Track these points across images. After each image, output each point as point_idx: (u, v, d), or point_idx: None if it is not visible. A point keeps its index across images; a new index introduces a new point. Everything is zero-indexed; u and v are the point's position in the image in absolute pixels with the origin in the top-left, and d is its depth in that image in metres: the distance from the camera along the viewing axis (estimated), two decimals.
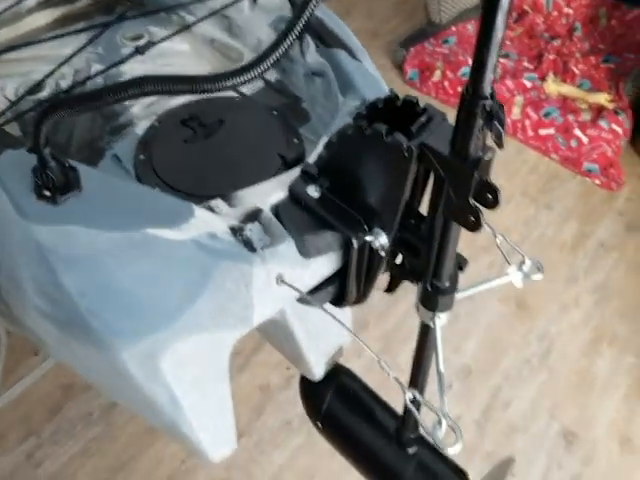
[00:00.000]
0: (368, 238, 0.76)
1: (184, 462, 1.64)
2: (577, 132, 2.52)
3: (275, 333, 0.96)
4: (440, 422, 0.69)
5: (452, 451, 0.67)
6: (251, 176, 0.85)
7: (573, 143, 2.51)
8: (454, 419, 1.68)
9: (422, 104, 0.75)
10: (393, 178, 0.73)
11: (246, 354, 1.84)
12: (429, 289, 0.77)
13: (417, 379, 0.87)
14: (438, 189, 0.71)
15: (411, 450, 0.93)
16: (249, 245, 0.75)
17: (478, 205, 0.68)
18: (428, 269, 0.76)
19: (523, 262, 0.84)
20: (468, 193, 0.67)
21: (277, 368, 1.82)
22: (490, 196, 0.69)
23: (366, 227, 0.77)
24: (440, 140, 0.69)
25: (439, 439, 0.67)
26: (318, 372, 0.98)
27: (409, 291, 1.99)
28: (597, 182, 2.43)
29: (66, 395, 1.73)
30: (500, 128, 0.63)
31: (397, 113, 0.75)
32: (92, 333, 0.76)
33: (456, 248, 0.75)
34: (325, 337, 0.96)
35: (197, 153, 0.99)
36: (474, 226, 0.68)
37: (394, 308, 1.96)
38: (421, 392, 0.90)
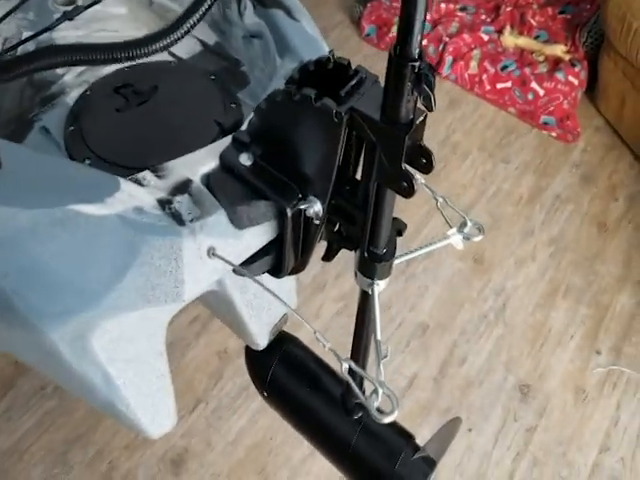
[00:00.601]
0: (302, 206, 0.73)
1: None
2: (534, 85, 2.51)
3: (216, 304, 0.94)
4: (376, 391, 0.67)
5: (387, 420, 0.66)
6: (186, 145, 0.82)
7: (530, 96, 2.50)
8: (410, 377, 1.70)
9: (354, 66, 0.72)
10: (324, 145, 0.70)
11: (203, 321, 1.83)
12: (366, 256, 0.75)
13: (359, 347, 0.86)
14: (370, 155, 0.69)
15: (356, 416, 0.92)
16: (178, 218, 0.72)
17: (411, 170, 0.65)
18: (364, 236, 0.74)
19: (464, 224, 0.83)
20: (400, 158, 0.65)
21: (234, 334, 1.81)
22: (424, 160, 0.67)
23: (300, 195, 0.74)
24: (371, 104, 0.66)
25: (374, 408, 0.66)
26: (262, 342, 0.96)
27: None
28: (553, 134, 2.44)
29: (19, 370, 1.70)
30: (429, 91, 0.61)
31: (329, 76, 0.72)
32: (18, 315, 0.73)
33: (392, 214, 0.73)
34: (267, 306, 0.94)
35: (129, 122, 0.95)
36: (407, 192, 0.66)
37: (352, 269, 1.94)
38: (363, 360, 0.89)
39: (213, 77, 1.02)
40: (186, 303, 0.78)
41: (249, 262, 0.78)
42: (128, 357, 0.78)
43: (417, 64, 0.59)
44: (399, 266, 1.98)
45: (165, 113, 0.96)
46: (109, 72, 1.03)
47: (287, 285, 0.98)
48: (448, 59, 2.65)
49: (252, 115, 0.77)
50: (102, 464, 1.58)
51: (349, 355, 0.91)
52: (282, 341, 1.00)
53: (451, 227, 0.83)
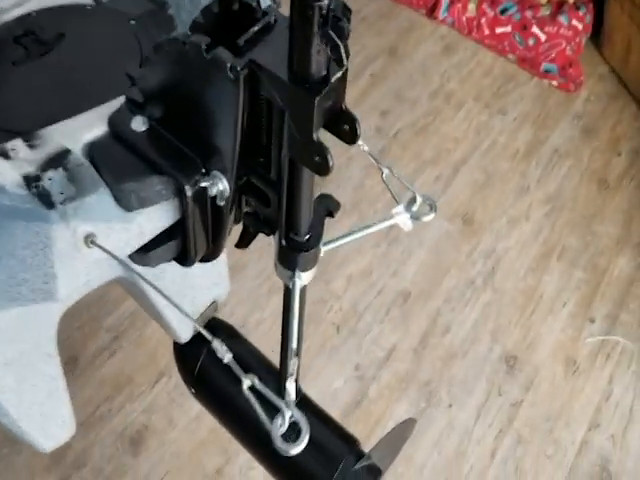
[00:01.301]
0: (204, 184, 0.60)
1: (99, 407, 1.52)
2: (535, 29, 2.32)
3: (130, 291, 0.81)
4: (283, 414, 0.55)
5: (293, 451, 0.53)
6: (91, 105, 0.68)
7: (531, 41, 2.32)
8: (389, 349, 1.58)
9: (264, 6, 0.57)
10: (223, 107, 0.56)
11: None
12: (284, 244, 0.62)
13: (286, 350, 0.73)
14: (279, 121, 0.55)
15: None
16: (45, 199, 0.58)
17: (325, 145, 0.51)
18: (281, 220, 0.61)
19: (413, 200, 0.69)
20: (311, 126, 0.50)
21: None
22: (347, 126, 0.53)
23: (203, 170, 0.61)
24: (278, 57, 0.51)
25: (278, 436, 0.54)
26: (184, 335, 0.84)
27: (345, 214, 1.86)
28: (555, 83, 2.26)
29: None
30: (337, 40, 0.46)
31: (236, 20, 0.57)
32: None
33: (311, 194, 0.59)
34: (191, 293, 0.81)
35: (25, 77, 0.80)
36: (321, 169, 0.52)
37: (332, 231, 1.81)
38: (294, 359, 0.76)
39: (133, 21, 0.87)
40: (70, 300, 0.65)
41: (147, 249, 0.65)
42: (5, 361, 0.65)
43: (324, 3, 0.45)
44: (381, 230, 1.84)
45: (70, 66, 0.81)
46: (11, 18, 0.88)
47: (217, 267, 0.84)
48: (445, 1, 2.45)
49: (144, 68, 0.62)
50: None
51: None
52: (214, 329, 0.86)
53: (398, 203, 0.69)
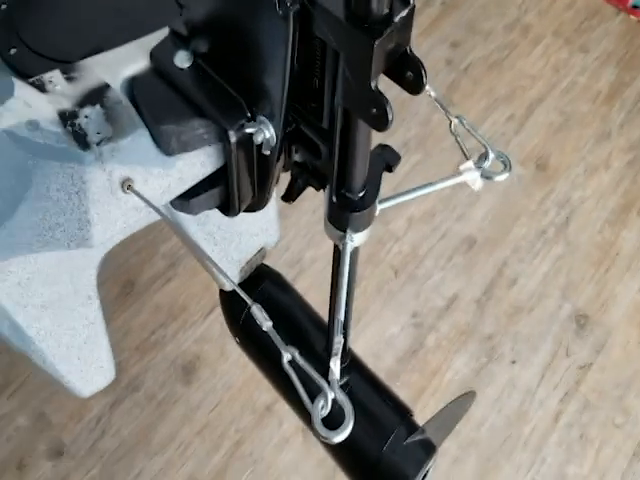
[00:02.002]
0: (249, 130, 0.54)
1: (153, 333, 1.54)
2: None
3: (176, 234, 0.77)
4: (325, 396, 0.50)
5: (336, 439, 0.49)
6: (134, 33, 0.62)
7: None
8: (450, 298, 1.51)
9: None
10: (272, 44, 0.49)
11: None
12: (335, 201, 0.55)
13: (333, 318, 0.67)
14: (333, 67, 0.48)
15: (341, 380, 0.75)
16: (81, 138, 0.54)
17: (384, 95, 0.44)
18: (332, 175, 0.54)
19: (485, 156, 0.61)
20: (369, 72, 0.43)
21: None
22: (411, 73, 0.46)
23: (248, 114, 0.54)
24: None
25: (319, 420, 0.49)
26: (229, 283, 0.79)
27: (412, 150, 1.77)
28: None
29: None
30: None
31: None
32: None
33: (368, 147, 0.52)
34: (236, 240, 0.76)
35: (70, 3, 0.74)
36: (378, 123, 0.45)
37: (388, 176, 1.73)
38: (344, 332, 0.70)
39: None
40: (111, 243, 0.62)
41: (189, 196, 0.60)
42: (43, 302, 0.63)
43: None
44: (449, 169, 1.74)
45: None
46: None
47: (267, 214, 0.79)
48: None
49: None
50: None
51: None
52: (260, 278, 0.82)
53: (468, 159, 0.61)
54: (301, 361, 0.51)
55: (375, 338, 1.52)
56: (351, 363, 0.77)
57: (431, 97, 0.60)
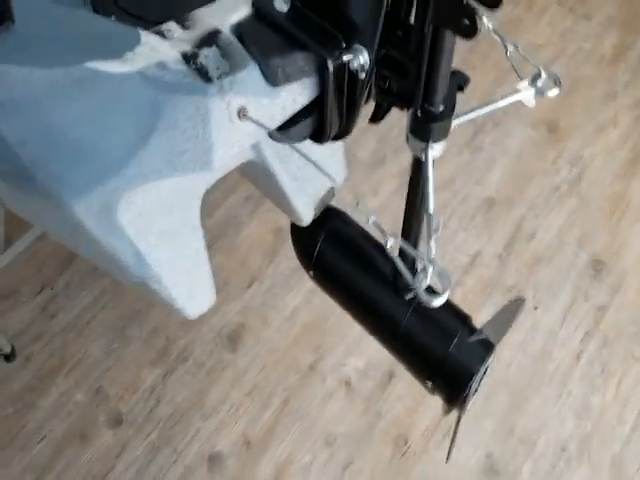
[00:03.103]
0: (346, 57, 0.63)
1: None
2: None
3: (257, 176, 0.86)
4: (425, 270, 0.59)
5: (437, 302, 0.57)
6: None
7: None
8: (473, 255, 1.61)
9: None
10: None
11: (256, 199, 1.76)
12: (420, 115, 0.65)
13: (410, 222, 0.77)
14: None
15: (408, 294, 0.84)
16: (204, 74, 0.63)
17: (474, 3, 0.53)
18: (418, 91, 0.63)
19: (538, 75, 0.70)
20: None
21: None
22: (466, 20, 0.54)
23: (344, 44, 0.63)
24: None
25: (422, 289, 0.58)
26: (306, 217, 0.88)
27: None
28: None
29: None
30: None
31: None
32: (39, 186, 0.66)
33: (451, 63, 0.61)
34: (312, 178, 0.85)
35: None
36: (470, 31, 0.54)
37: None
38: (415, 236, 0.80)
39: None
40: (218, 171, 0.71)
41: (287, 126, 0.69)
42: (160, 232, 0.72)
43: None
44: (464, 138, 1.84)
45: None
46: None
47: (335, 156, 0.88)
48: None
49: None
50: (159, 339, 1.59)
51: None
52: (329, 216, 0.91)
53: (521, 80, 0.70)
54: (402, 243, 0.60)
55: None
56: None
57: (489, 29, 0.69)
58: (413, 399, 1.50)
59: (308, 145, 0.78)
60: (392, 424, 1.48)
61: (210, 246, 1.66)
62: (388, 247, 0.61)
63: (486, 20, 0.71)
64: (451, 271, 0.58)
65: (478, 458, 1.43)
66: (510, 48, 0.71)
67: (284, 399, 1.52)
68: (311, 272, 0.91)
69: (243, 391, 1.53)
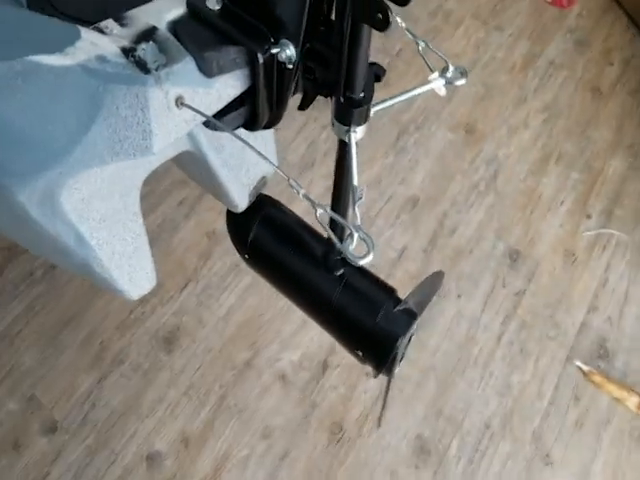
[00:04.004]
0: (274, 50, 0.69)
1: (132, 312, 1.64)
2: None
3: (192, 165, 0.90)
4: (352, 235, 0.66)
5: (363, 261, 0.64)
6: None
7: None
8: (400, 250, 1.70)
9: None
10: None
11: (191, 202, 1.80)
12: (342, 102, 0.71)
13: (338, 198, 0.84)
14: None
15: (338, 272, 0.91)
16: (142, 66, 0.67)
17: (385, 2, 0.60)
18: (340, 80, 0.70)
19: (446, 68, 0.79)
20: None
21: (222, 213, 1.79)
22: (380, 15, 0.61)
23: (272, 39, 0.69)
24: None
25: (349, 251, 0.65)
26: (241, 204, 0.94)
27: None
28: (549, 0, 2.32)
29: (7, 257, 1.69)
30: None
31: None
32: None
33: (368, 54, 0.68)
34: (246, 167, 0.91)
35: None
36: (382, 24, 0.61)
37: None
38: (343, 211, 0.87)
39: None
40: (156, 161, 0.75)
41: (222, 114, 0.74)
42: (101, 216, 0.75)
43: None
44: (389, 140, 1.94)
45: None
46: None
47: (267, 147, 0.94)
48: None
49: None
50: (94, 345, 1.59)
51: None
52: (263, 203, 0.97)
53: (432, 72, 0.78)
54: (331, 212, 0.66)
55: None
56: (343, 259, 0.93)
57: (402, 27, 0.77)
58: (347, 388, 1.56)
59: (242, 135, 0.83)
60: (327, 413, 1.54)
61: None
62: (317, 215, 0.67)
63: (399, 20, 0.79)
64: (370, 237, 0.64)
65: (409, 440, 1.51)
66: (421, 44, 0.78)
67: (221, 396, 1.56)
68: (246, 255, 0.96)
69: (180, 390, 1.56)
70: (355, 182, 0.70)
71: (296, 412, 1.54)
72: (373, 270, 1.70)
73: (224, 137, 0.85)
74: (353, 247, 0.66)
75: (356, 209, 0.67)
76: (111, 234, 0.77)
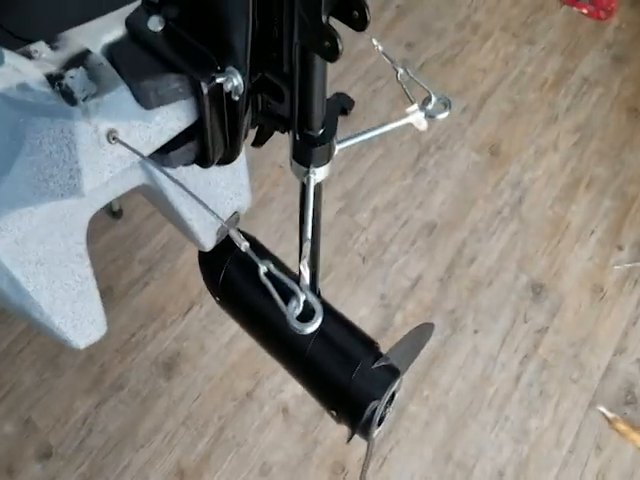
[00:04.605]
0: (219, 80, 0.61)
1: (134, 335, 1.58)
2: None
3: (155, 201, 0.84)
4: (297, 297, 0.57)
5: (307, 330, 0.56)
6: (107, 8, 0.69)
7: None
8: (414, 279, 1.60)
9: None
10: (234, 3, 0.57)
11: None
12: (298, 139, 0.63)
13: (303, 235, 0.75)
14: (290, 10, 0.55)
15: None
16: (68, 96, 0.60)
17: (334, 29, 0.52)
18: (294, 114, 0.62)
19: (428, 99, 0.70)
20: (319, 8, 0.51)
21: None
22: (356, 13, 0.53)
23: (218, 66, 0.62)
24: None
25: (293, 317, 0.56)
26: (206, 243, 0.86)
27: (374, 146, 1.86)
28: (584, 11, 2.20)
29: None
30: None
31: None
32: None
33: (324, 86, 0.60)
34: (212, 202, 0.83)
35: None
36: (331, 54, 0.53)
37: (357, 165, 1.82)
38: (314, 260, 0.78)
39: None
40: (102, 200, 0.68)
41: (168, 149, 0.67)
42: (38, 259, 0.69)
43: None
44: (408, 160, 1.84)
45: None
46: None
47: (239, 180, 0.86)
48: None
49: None
50: (93, 367, 1.54)
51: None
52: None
53: (413, 103, 0.69)
54: (275, 271, 0.58)
55: None
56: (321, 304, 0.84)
57: (379, 51, 0.69)
58: None
59: (211, 171, 0.76)
60: (329, 451, 1.45)
61: (148, 271, 1.67)
62: (261, 274, 0.59)
63: (375, 42, 0.70)
64: (317, 299, 0.56)
65: None
66: (400, 71, 0.70)
67: (219, 427, 1.49)
68: (217, 298, 0.89)
69: (178, 420, 1.49)
70: (309, 234, 0.61)
71: (297, 448, 1.46)
72: (383, 302, 1.63)
73: (185, 170, 0.77)
74: (299, 310, 0.57)
75: (304, 264, 0.58)
76: (50, 279, 0.71)
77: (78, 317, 0.75)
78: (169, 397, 1.52)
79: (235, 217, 0.88)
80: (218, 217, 0.60)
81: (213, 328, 1.60)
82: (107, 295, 1.63)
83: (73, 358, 1.55)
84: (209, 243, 0.86)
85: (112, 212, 1.71)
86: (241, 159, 0.83)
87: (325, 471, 1.43)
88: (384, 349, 1.54)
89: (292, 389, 1.52)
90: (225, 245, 0.88)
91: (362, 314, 1.61)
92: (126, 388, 1.53)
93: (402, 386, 0.90)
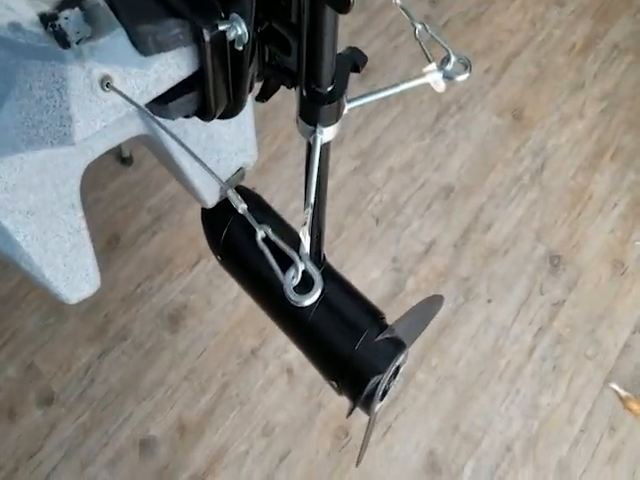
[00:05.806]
0: (222, 27, 0.56)
1: (139, 285, 1.56)
2: None
3: (156, 152, 0.80)
4: (296, 266, 0.53)
5: (305, 302, 0.52)
6: None
7: None
8: (428, 243, 1.55)
9: None
10: None
11: None
12: (305, 96, 0.58)
13: (307, 199, 0.71)
14: None
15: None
16: (61, 38, 0.56)
17: None
18: (301, 69, 0.57)
19: (447, 59, 0.64)
20: None
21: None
22: None
23: (223, 14, 0.57)
24: None
25: (290, 287, 0.53)
26: (209, 200, 0.82)
27: (392, 103, 1.80)
28: None
29: None
30: None
31: None
32: None
33: (335, 39, 0.55)
34: (216, 156, 0.79)
35: None
36: (341, 3, 0.48)
37: (374, 123, 1.76)
38: (318, 223, 0.74)
39: None
40: (97, 149, 0.65)
41: (166, 100, 0.63)
42: (29, 208, 0.66)
43: None
44: (427, 120, 1.78)
45: None
46: None
47: (245, 134, 0.82)
48: None
49: None
50: (98, 316, 1.53)
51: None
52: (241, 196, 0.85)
53: (430, 62, 0.64)
54: (273, 237, 0.54)
55: (357, 283, 1.55)
56: (325, 270, 0.80)
57: (397, 4, 0.63)
58: None
59: (215, 123, 0.72)
60: (333, 416, 1.43)
61: (157, 220, 1.64)
62: (259, 239, 0.56)
63: None
64: (317, 269, 0.52)
65: (420, 454, 1.39)
66: (418, 27, 0.64)
67: (223, 384, 1.47)
68: (219, 257, 0.85)
69: (181, 374, 1.48)
70: (312, 199, 0.57)
71: (300, 411, 1.44)
72: (395, 265, 1.59)
73: (187, 121, 0.73)
74: (297, 280, 0.54)
75: (304, 232, 0.54)
76: (42, 229, 0.67)
77: (70, 270, 0.72)
78: (173, 350, 1.50)
79: (240, 173, 0.84)
80: (214, 174, 0.56)
81: (220, 283, 1.57)
82: (113, 243, 1.61)
83: (78, 305, 1.54)
84: (211, 200, 0.83)
85: (122, 158, 1.67)
86: (247, 112, 0.78)
87: (328, 436, 1.42)
88: (394, 315, 1.53)
89: (297, 350, 1.50)
90: (229, 203, 0.83)
91: (373, 277, 1.58)
92: (129, 339, 1.51)
93: (409, 354, 0.87)
